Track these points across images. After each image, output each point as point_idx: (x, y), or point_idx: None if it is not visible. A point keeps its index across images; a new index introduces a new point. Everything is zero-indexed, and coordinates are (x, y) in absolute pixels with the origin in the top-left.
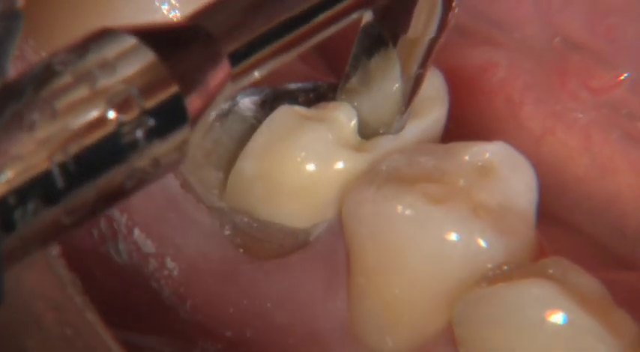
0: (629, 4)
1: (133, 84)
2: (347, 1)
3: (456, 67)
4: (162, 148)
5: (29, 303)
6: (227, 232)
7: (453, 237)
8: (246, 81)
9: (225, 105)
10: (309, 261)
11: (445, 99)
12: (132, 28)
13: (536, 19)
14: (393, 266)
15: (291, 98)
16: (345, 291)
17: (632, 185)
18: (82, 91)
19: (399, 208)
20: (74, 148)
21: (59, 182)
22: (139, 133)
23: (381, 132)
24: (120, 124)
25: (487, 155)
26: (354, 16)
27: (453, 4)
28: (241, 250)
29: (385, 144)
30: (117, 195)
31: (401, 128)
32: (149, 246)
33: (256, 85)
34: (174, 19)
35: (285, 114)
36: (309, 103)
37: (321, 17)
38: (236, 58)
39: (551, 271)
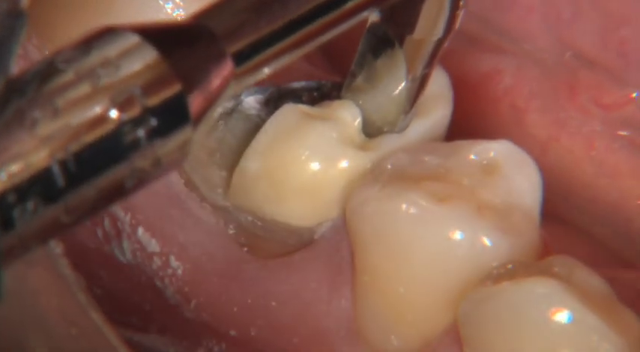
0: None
1: (135, 82)
2: (353, 2)
3: (462, 73)
4: (163, 148)
5: (33, 302)
6: (231, 231)
7: (457, 235)
8: (251, 80)
9: (229, 104)
10: (314, 259)
11: (450, 99)
12: (135, 26)
13: (545, 30)
14: (397, 265)
15: (295, 97)
16: (349, 290)
17: (636, 190)
18: (84, 89)
19: (404, 207)
20: (75, 147)
21: (59, 180)
22: (141, 132)
23: (385, 130)
24: (122, 123)
25: (491, 153)
26: (361, 16)
27: (460, 4)
28: (245, 249)
29: (389, 142)
30: (117, 194)
31: (405, 127)
32: (153, 245)
33: (260, 84)
34: (178, 18)
35: (290, 112)
36: (313, 102)
37: (327, 18)
38: (240, 58)
39: (556, 269)
